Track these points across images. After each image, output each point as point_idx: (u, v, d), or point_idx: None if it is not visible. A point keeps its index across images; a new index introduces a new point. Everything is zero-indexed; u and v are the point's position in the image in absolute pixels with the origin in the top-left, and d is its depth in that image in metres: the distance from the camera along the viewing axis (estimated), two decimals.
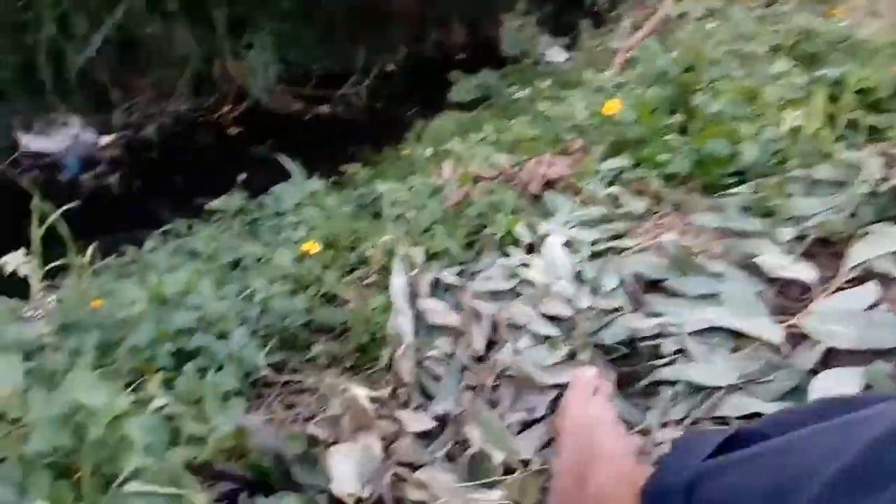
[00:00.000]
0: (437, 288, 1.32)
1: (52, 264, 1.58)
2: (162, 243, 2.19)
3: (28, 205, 1.48)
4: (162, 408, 1.06)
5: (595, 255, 1.24)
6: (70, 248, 1.64)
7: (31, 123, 3.77)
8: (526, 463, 0.91)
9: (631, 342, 1.04)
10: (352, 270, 1.80)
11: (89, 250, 1.69)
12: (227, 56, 4.47)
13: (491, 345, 1.18)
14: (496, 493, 0.89)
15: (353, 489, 0.88)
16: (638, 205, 1.37)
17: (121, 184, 3.86)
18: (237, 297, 1.52)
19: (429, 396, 1.15)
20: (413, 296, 1.31)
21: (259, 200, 2.39)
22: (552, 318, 1.14)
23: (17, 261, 1.22)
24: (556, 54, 4.64)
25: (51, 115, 3.75)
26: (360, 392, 1.00)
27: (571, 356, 1.07)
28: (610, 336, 1.05)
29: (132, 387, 1.17)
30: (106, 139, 3.99)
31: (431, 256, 1.43)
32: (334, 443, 1.00)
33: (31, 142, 3.68)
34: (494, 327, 1.19)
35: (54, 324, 1.35)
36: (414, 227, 1.50)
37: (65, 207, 1.59)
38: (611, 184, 1.43)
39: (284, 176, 2.55)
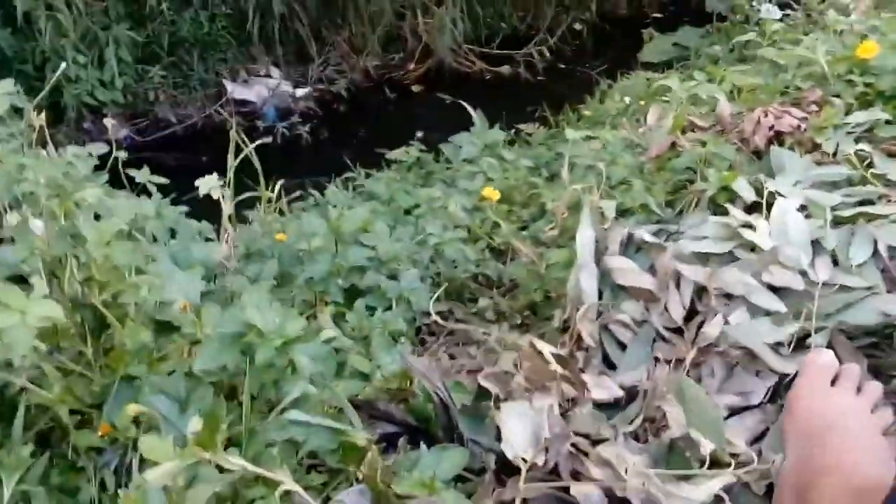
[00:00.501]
0: (629, 246, 1.16)
1: (244, 195, 1.65)
2: (343, 188, 2.24)
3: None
4: (331, 340, 1.03)
5: (838, 223, 1.01)
6: (260, 182, 1.71)
7: (237, 73, 4.07)
8: (735, 457, 0.75)
9: (884, 329, 0.83)
10: (524, 227, 1.70)
11: (277, 186, 1.74)
12: (419, 11, 4.52)
13: (691, 315, 1.01)
14: (702, 490, 0.73)
15: (527, 453, 0.77)
16: (893, 167, 1.10)
17: (311, 134, 4.06)
18: (410, 240, 1.48)
19: (610, 365, 1.02)
20: (599, 253, 1.16)
21: (436, 151, 2.37)
22: (778, 291, 0.94)
23: (210, 183, 1.25)
24: (770, 11, 4.12)
25: (254, 66, 4.03)
26: (545, 347, 0.88)
27: (802, 338, 0.87)
28: (856, 318, 0.84)
29: (304, 317, 1.17)
30: (301, 91, 4.21)
31: (624, 212, 1.27)
32: (505, 399, 0.90)
33: (235, 90, 3.98)
34: (699, 295, 1.01)
35: (238, 250, 1.39)
36: (605, 181, 1.35)
37: (258, 142, 1.65)
38: (858, 141, 1.17)
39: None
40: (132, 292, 0.86)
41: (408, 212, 1.69)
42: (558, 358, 0.90)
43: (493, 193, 1.45)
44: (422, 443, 0.75)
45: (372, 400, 0.87)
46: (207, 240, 1.34)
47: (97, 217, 0.97)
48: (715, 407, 0.82)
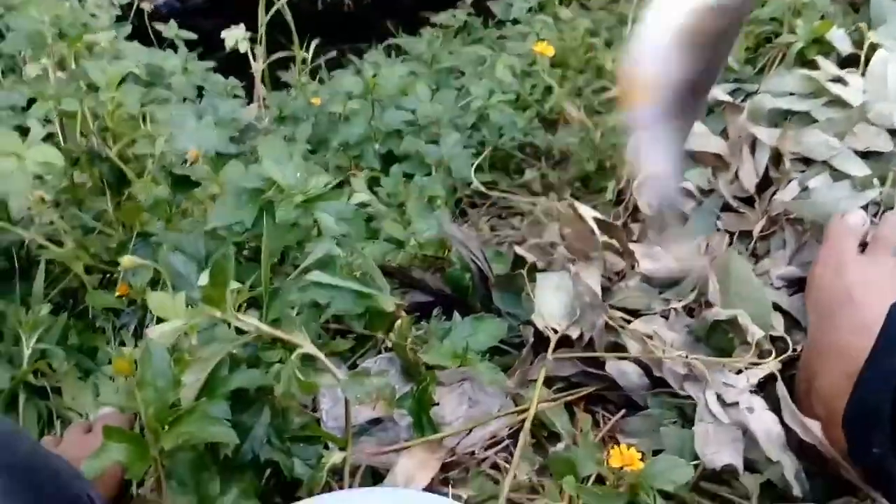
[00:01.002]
0: None
1: (277, 54, 1.54)
2: (384, 53, 2.10)
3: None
4: (364, 205, 0.96)
5: None
6: (294, 41, 1.59)
7: None
8: (779, 341, 0.65)
9: None
10: (579, 94, 1.55)
11: (312, 46, 1.62)
12: None
13: (766, 184, 0.90)
14: (743, 377, 0.64)
15: (558, 324, 0.70)
16: None
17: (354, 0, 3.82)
18: (453, 104, 1.36)
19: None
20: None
21: (485, 17, 2.18)
22: (866, 156, 0.81)
23: (236, 35, 1.15)
24: None
25: None
26: (587, 212, 0.79)
27: (888, 207, 0.76)
28: None
29: (336, 183, 1.10)
30: None
31: None
32: (543, 270, 0.82)
33: None
34: (776, 160, 0.89)
35: (271, 111, 1.31)
36: None
37: None
38: None
39: None
40: (146, 142, 0.79)
41: (452, 72, 1.55)
42: (603, 224, 0.81)
43: (546, 48, 1.31)
44: (456, 312, 0.68)
45: (405, 267, 0.81)
46: (236, 97, 1.26)
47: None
48: (760, 287, 0.72)
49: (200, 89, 1.28)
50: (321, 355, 0.52)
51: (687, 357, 0.62)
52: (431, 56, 1.56)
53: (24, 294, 0.80)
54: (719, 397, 0.59)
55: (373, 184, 1.10)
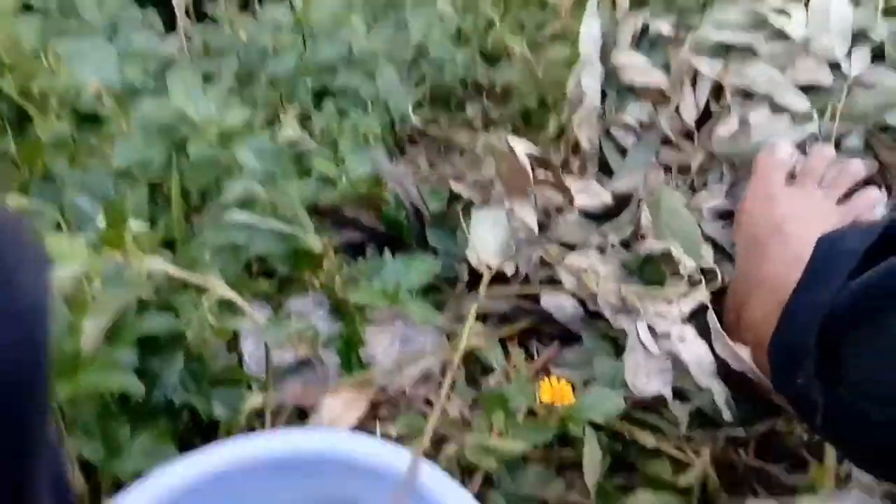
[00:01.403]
0: (643, 41, 1.01)
1: None
2: None
3: None
4: (293, 143, 0.91)
5: (891, 13, 0.85)
6: None
7: None
8: (707, 274, 0.65)
9: None
10: (523, 28, 1.51)
11: None
12: None
13: (706, 118, 0.89)
14: (675, 308, 0.64)
15: (493, 260, 0.68)
16: None
17: None
18: (391, 38, 1.30)
19: (609, 173, 0.91)
20: (607, 49, 1.01)
21: None
22: (807, 91, 0.80)
23: None
24: None
25: None
26: (520, 146, 0.76)
27: (827, 141, 0.76)
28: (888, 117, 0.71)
29: (265, 122, 1.04)
30: None
31: (641, 3, 1.09)
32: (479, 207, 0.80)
33: None
34: (716, 95, 0.88)
35: (195, 45, 1.22)
36: None
37: None
38: None
39: None
40: (43, 76, 0.73)
41: (389, 6, 1.48)
42: (539, 160, 0.79)
43: None
44: (387, 250, 0.65)
45: (337, 205, 0.77)
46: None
47: None
48: (691, 220, 0.72)
49: (116, 24, 1.18)
50: (237, 298, 0.49)
51: (621, 291, 0.61)
52: None
53: None
54: (651, 328, 0.58)
55: (304, 121, 1.05)
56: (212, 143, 0.64)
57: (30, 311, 0.21)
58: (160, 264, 0.49)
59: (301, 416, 0.53)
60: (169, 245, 0.66)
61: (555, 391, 0.45)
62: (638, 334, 0.58)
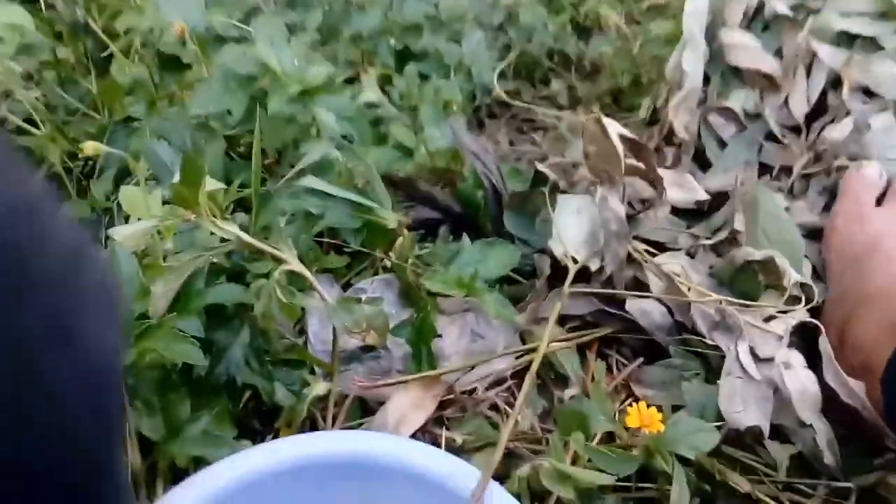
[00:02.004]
0: (756, 21, 0.92)
1: None
2: None
3: None
4: (372, 105, 0.88)
5: None
6: None
7: None
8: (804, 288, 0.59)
9: None
10: (620, 1, 1.41)
11: None
12: None
13: (817, 113, 0.80)
14: (776, 325, 0.58)
15: (578, 253, 0.63)
16: None
17: None
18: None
19: (705, 166, 0.84)
20: (715, 28, 0.92)
21: None
22: None
23: None
24: None
25: None
26: (614, 128, 0.70)
27: None
28: None
29: (344, 79, 1.00)
30: None
31: None
32: (564, 191, 0.75)
33: None
34: (835, 85, 0.79)
35: None
36: None
37: None
38: None
39: None
40: (133, 14, 0.70)
41: None
42: (632, 144, 0.73)
43: None
44: (465, 234, 0.61)
45: (413, 178, 0.73)
46: None
47: None
48: (793, 227, 0.65)
49: None
50: (309, 274, 0.46)
51: (721, 303, 0.55)
52: None
53: None
54: (752, 350, 0.53)
55: (385, 82, 1.01)
56: (292, 98, 0.61)
57: (96, 375, 0.17)
58: (233, 229, 0.47)
59: (363, 405, 0.50)
60: (242, 203, 0.64)
61: (642, 416, 0.41)
62: (738, 356, 0.52)
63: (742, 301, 0.58)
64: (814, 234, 0.71)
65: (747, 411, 0.48)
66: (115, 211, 0.60)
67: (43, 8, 0.83)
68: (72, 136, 0.70)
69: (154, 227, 0.45)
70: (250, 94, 0.60)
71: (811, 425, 0.48)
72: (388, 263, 0.58)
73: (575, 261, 0.60)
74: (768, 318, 0.61)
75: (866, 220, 0.62)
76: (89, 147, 0.47)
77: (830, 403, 0.50)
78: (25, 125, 0.69)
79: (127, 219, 0.69)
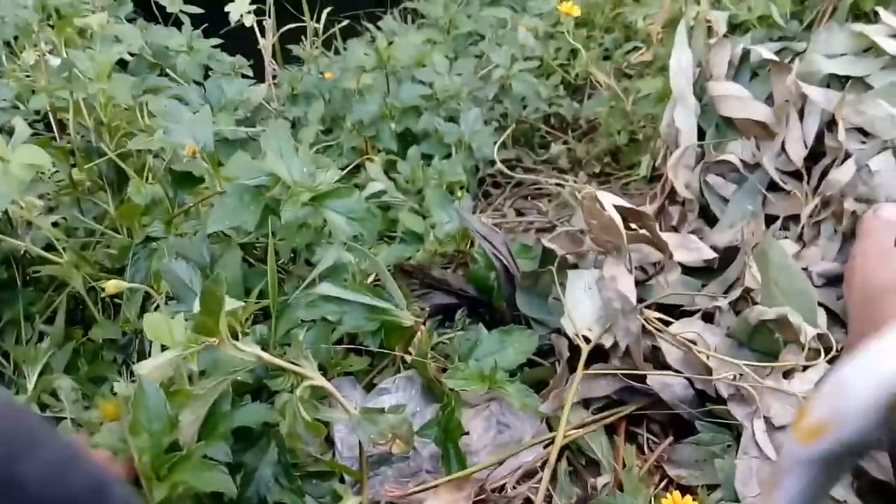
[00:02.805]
0: (742, 70, 0.94)
1: (288, 26, 1.46)
2: (401, 20, 2.00)
3: None
4: (378, 194, 0.90)
5: None
6: (305, 11, 1.50)
7: None
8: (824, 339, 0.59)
9: None
10: (607, 57, 1.45)
11: (324, 14, 1.53)
12: None
13: (816, 157, 0.81)
14: (797, 383, 0.58)
15: (591, 331, 0.63)
16: None
17: None
18: (473, 75, 1.28)
19: (712, 221, 0.85)
20: (703, 81, 0.95)
21: None
22: None
23: (241, 7, 1.07)
24: None
25: None
26: (609, 200, 0.71)
27: None
28: None
29: (350, 167, 1.03)
30: None
31: (736, 27, 1.03)
32: (574, 266, 0.76)
33: None
34: (829, 126, 0.81)
35: (283, 90, 1.24)
36: None
37: None
38: None
39: None
40: (143, 137, 0.74)
41: (470, 39, 1.46)
42: (631, 212, 0.74)
43: (571, 9, 1.21)
44: (481, 324, 0.62)
45: (425, 265, 0.75)
46: (244, 76, 1.19)
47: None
48: (802, 277, 0.66)
49: (207, 69, 1.21)
50: (332, 388, 0.47)
51: (735, 378, 0.55)
52: (449, 20, 1.47)
53: (28, 303, 0.76)
54: (768, 421, 0.52)
55: (390, 168, 1.03)
56: (304, 204, 0.63)
57: None
58: (255, 350, 0.48)
59: None
60: (261, 310, 0.65)
61: None
62: (753, 434, 0.52)
63: (761, 364, 0.58)
64: (831, 281, 0.72)
65: (765, 495, 0.47)
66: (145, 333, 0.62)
67: (57, 136, 0.87)
68: (94, 260, 0.73)
69: (178, 356, 0.46)
70: (263, 204, 0.62)
71: (845, 501, 0.47)
72: (408, 359, 0.59)
73: (587, 340, 0.60)
74: (789, 373, 0.61)
75: (887, 258, 0.62)
76: (111, 287, 0.49)
77: (861, 477, 0.49)
78: (46, 254, 0.71)
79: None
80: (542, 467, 0.52)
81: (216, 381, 0.48)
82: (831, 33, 0.90)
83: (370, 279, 0.66)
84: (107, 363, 0.67)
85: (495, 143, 1.12)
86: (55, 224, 0.79)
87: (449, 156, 1.06)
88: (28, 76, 0.94)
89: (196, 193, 0.76)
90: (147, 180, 0.76)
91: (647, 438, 0.56)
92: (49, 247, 0.73)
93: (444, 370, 0.59)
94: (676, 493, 0.42)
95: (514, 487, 0.51)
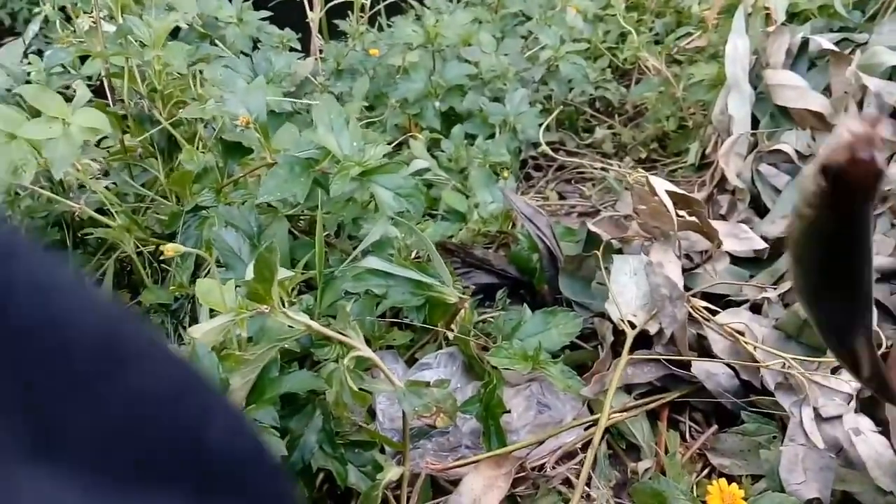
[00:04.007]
0: (800, 59, 0.91)
1: (335, 1, 1.46)
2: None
3: None
4: (422, 172, 0.90)
5: None
6: None
7: None
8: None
9: None
10: (657, 42, 1.42)
11: None
12: None
13: None
14: (844, 380, 0.57)
15: (636, 317, 0.62)
16: None
17: None
18: (520, 55, 1.26)
19: (761, 211, 0.83)
20: (759, 69, 0.92)
21: None
22: None
23: None
24: None
25: None
26: (660, 185, 0.70)
27: None
28: None
29: (394, 144, 1.03)
30: None
31: (795, 16, 1.00)
32: (619, 251, 0.75)
33: None
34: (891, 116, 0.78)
35: (329, 64, 1.24)
36: None
37: None
38: None
39: None
40: (196, 105, 0.75)
41: (517, 20, 1.45)
42: (682, 199, 0.72)
43: None
44: (525, 304, 0.62)
45: (467, 244, 0.75)
46: (291, 49, 1.19)
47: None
48: None
49: (256, 41, 1.22)
50: (378, 360, 0.48)
51: (785, 366, 0.54)
52: (497, 0, 1.45)
53: (79, 265, 0.78)
54: (816, 412, 0.51)
55: (433, 146, 1.03)
56: (353, 178, 0.63)
57: None
58: (303, 319, 0.48)
59: (434, 485, 0.51)
60: (306, 282, 0.66)
61: (724, 495, 0.40)
62: (801, 422, 0.51)
63: (808, 358, 0.57)
64: (885, 276, 0.69)
65: (808, 483, 0.46)
66: (195, 298, 0.63)
67: (110, 102, 0.89)
68: (144, 225, 0.74)
69: (230, 321, 0.47)
70: (312, 178, 0.63)
71: (892, 492, 0.46)
72: (450, 336, 0.59)
73: (633, 325, 0.60)
74: (837, 369, 0.59)
75: None
76: (170, 249, 0.50)
77: None
78: (100, 217, 0.73)
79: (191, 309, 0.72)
80: (583, 449, 0.52)
81: (265, 347, 0.48)
82: (891, 29, 0.87)
83: (412, 255, 0.66)
84: (154, 326, 0.68)
85: (540, 125, 1.11)
86: (107, 189, 0.81)
87: (492, 136, 1.06)
88: (82, 42, 0.95)
89: (244, 164, 0.77)
90: (197, 149, 0.78)
91: (690, 427, 0.55)
92: (99, 211, 0.75)
93: (485, 348, 0.59)
94: (722, 481, 0.41)
95: (554, 467, 0.51)
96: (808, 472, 0.48)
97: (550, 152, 1.09)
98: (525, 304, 0.61)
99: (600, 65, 1.36)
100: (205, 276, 0.61)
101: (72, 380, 0.13)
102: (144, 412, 0.14)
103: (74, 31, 1.00)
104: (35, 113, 0.67)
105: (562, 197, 1.03)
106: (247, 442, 0.17)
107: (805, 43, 0.93)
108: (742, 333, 0.62)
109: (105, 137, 0.85)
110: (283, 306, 0.49)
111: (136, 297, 0.75)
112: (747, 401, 0.56)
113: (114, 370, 0.14)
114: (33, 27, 1.25)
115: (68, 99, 0.68)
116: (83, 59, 0.94)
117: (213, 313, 0.54)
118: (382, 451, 0.52)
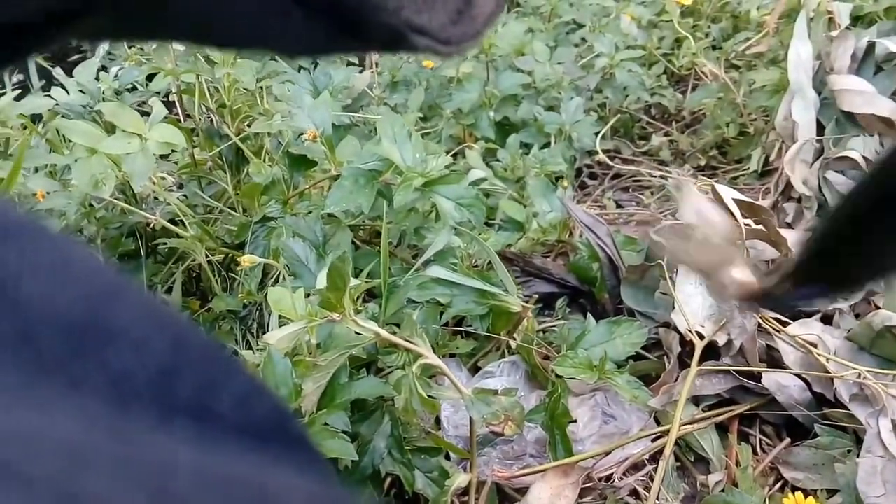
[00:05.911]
0: (866, 63, 0.89)
1: None
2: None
3: None
4: (479, 182, 0.91)
5: None
6: None
7: None
8: None
9: None
10: (715, 48, 1.40)
11: None
12: None
13: None
14: None
15: (703, 328, 0.61)
16: None
17: None
18: (574, 63, 1.26)
19: None
20: (823, 74, 0.90)
21: None
22: None
23: None
24: None
25: None
26: (728, 194, 0.69)
27: None
28: None
29: (451, 153, 1.05)
30: None
31: (859, 18, 0.97)
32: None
33: None
34: None
35: (384, 77, 1.27)
36: None
37: None
38: None
39: None
40: (263, 120, 0.77)
41: (570, 28, 1.45)
42: (749, 207, 0.71)
43: None
44: (589, 314, 0.62)
45: (526, 254, 0.75)
46: (349, 64, 1.22)
47: None
48: None
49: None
50: (445, 367, 0.48)
51: (861, 377, 0.52)
52: (550, 9, 1.45)
53: (151, 274, 0.82)
54: (894, 423, 0.50)
55: (488, 155, 1.04)
56: (416, 189, 0.65)
57: None
58: (372, 326, 0.50)
59: (500, 492, 0.51)
60: (369, 290, 0.67)
61: None
62: (879, 432, 0.49)
63: (882, 371, 0.55)
64: None
65: (888, 495, 0.45)
66: (263, 305, 0.65)
67: (181, 118, 0.93)
68: (215, 235, 0.77)
69: (302, 328, 0.48)
70: (376, 189, 0.64)
71: None
72: (513, 344, 0.60)
73: (701, 336, 0.59)
74: None
75: None
76: (246, 260, 0.52)
77: None
78: (173, 227, 0.76)
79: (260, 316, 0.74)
80: (651, 460, 0.52)
81: (336, 353, 0.50)
82: None
83: (476, 262, 0.67)
84: (224, 333, 0.71)
85: (597, 133, 1.10)
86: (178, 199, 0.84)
87: (548, 145, 1.06)
88: (149, 59, 1.00)
89: (309, 176, 0.79)
90: (264, 162, 0.80)
91: (761, 440, 0.54)
92: (171, 222, 0.78)
93: (547, 357, 0.60)
94: (798, 495, 0.40)
95: (622, 478, 0.51)
96: (888, 484, 0.47)
97: (607, 160, 1.08)
98: (587, 314, 0.61)
99: (655, 71, 1.34)
100: (273, 285, 0.63)
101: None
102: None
103: (142, 49, 1.05)
104: (111, 128, 0.71)
105: (619, 205, 1.02)
106: (263, 408, 0.17)
107: (871, 47, 0.90)
108: (815, 345, 0.60)
109: (174, 151, 0.88)
110: (352, 314, 0.50)
111: (206, 304, 0.78)
112: (820, 413, 0.55)
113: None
114: (104, 45, 1.31)
115: (142, 115, 0.71)
116: (150, 76, 0.98)
117: (282, 320, 0.56)
118: (448, 457, 0.52)
